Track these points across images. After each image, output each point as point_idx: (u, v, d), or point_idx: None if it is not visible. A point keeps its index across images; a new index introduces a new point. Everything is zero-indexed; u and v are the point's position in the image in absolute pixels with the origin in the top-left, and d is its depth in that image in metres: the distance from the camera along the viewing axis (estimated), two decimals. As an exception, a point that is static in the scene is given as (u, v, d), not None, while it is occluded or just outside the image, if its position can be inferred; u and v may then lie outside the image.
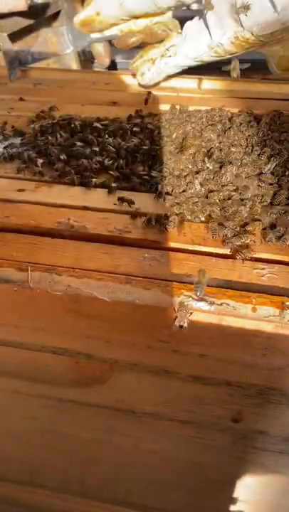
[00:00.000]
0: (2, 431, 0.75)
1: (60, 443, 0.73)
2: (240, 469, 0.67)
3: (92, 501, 0.81)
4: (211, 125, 0.72)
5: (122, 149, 0.69)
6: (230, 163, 0.63)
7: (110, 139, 0.71)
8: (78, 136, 0.73)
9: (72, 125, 0.76)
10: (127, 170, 0.65)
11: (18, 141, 0.73)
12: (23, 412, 0.70)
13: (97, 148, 0.70)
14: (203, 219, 0.57)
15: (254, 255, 0.52)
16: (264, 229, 0.54)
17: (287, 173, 0.61)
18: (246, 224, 0.55)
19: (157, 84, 0.88)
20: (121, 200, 0.58)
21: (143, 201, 0.60)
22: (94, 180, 0.64)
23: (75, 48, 1.04)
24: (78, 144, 0.71)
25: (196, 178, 0.62)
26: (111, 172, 0.65)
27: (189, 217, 0.56)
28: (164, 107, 0.82)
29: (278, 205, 0.57)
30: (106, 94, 0.89)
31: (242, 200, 0.58)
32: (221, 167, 0.63)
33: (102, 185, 0.63)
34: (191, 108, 0.79)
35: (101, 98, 0.87)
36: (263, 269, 0.50)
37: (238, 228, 0.54)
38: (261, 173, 0.62)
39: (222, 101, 0.82)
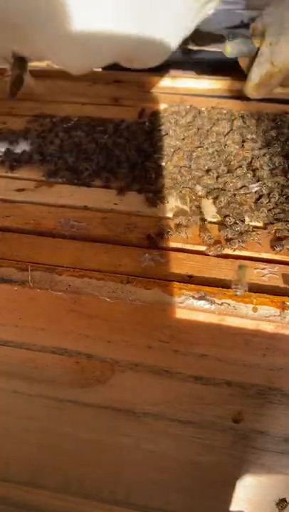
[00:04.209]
0: (2, 431, 0.75)
1: (60, 443, 0.73)
2: (240, 469, 0.67)
3: (92, 501, 0.81)
4: (216, 125, 0.72)
5: (123, 150, 0.69)
6: (239, 166, 0.64)
7: (111, 140, 0.71)
8: (78, 137, 0.73)
9: (72, 125, 0.76)
10: (128, 170, 0.65)
11: (18, 141, 0.73)
12: (23, 412, 0.70)
13: (97, 149, 0.69)
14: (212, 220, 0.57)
15: (255, 255, 0.52)
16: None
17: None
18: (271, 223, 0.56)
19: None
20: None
21: (144, 203, 0.60)
22: (94, 180, 0.64)
23: None
24: (79, 144, 0.71)
25: (201, 178, 0.62)
26: (112, 172, 0.65)
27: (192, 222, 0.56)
28: (166, 108, 0.81)
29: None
30: (107, 94, 0.88)
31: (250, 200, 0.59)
32: (226, 168, 0.63)
33: (103, 186, 0.63)
34: (193, 108, 0.79)
35: (102, 98, 0.87)
36: (264, 269, 0.50)
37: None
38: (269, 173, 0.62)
39: (224, 101, 0.82)
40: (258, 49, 0.75)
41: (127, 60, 0.41)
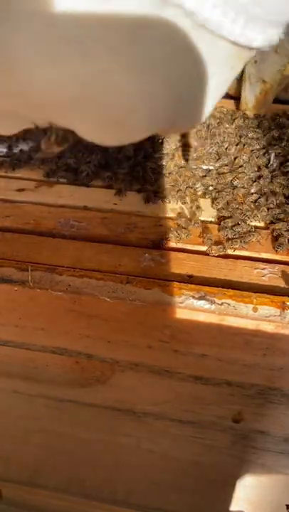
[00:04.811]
0: (2, 431, 0.75)
1: (60, 443, 0.73)
2: (240, 469, 0.67)
3: (92, 501, 0.81)
4: (216, 125, 0.72)
5: (122, 150, 0.68)
6: (240, 165, 0.64)
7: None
8: (79, 137, 0.73)
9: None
10: (128, 170, 0.65)
11: (18, 141, 0.73)
12: (23, 412, 0.70)
13: (98, 149, 0.69)
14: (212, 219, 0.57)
15: (255, 255, 0.52)
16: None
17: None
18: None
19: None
20: None
21: (143, 203, 0.60)
22: (94, 180, 0.64)
23: None
24: (79, 144, 0.71)
25: (202, 178, 0.62)
26: (112, 172, 0.65)
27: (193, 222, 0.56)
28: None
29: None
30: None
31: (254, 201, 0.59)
32: (227, 168, 0.63)
33: (103, 186, 0.63)
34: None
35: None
36: (264, 269, 0.50)
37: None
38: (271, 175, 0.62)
39: (224, 100, 0.82)
40: (243, 70, 0.75)
41: (165, 130, 0.38)
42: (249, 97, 0.74)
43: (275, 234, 0.54)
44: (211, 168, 0.64)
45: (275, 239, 0.53)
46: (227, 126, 0.72)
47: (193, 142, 0.69)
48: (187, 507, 0.78)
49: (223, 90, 0.36)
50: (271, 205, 0.57)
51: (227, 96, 0.84)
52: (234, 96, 0.82)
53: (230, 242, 0.52)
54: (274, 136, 0.68)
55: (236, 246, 0.52)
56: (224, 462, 0.66)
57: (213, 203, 0.59)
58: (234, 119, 0.73)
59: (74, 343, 0.55)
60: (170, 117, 0.33)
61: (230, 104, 0.80)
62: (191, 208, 0.58)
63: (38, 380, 0.62)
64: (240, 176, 0.62)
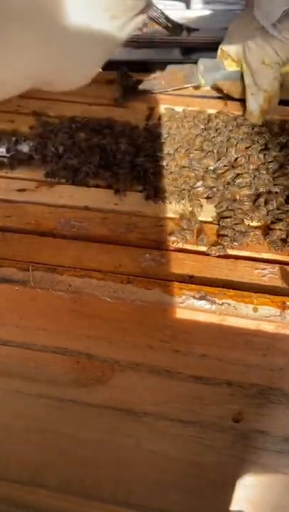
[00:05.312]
0: (2, 430, 0.75)
1: (61, 443, 0.73)
2: (240, 469, 0.67)
3: (92, 502, 0.81)
4: (219, 127, 0.72)
5: (124, 150, 0.68)
6: (240, 165, 0.64)
7: (112, 140, 0.71)
8: (79, 137, 0.73)
9: (77, 126, 0.75)
10: (128, 170, 0.65)
11: (19, 141, 0.73)
12: (24, 412, 0.70)
13: (98, 149, 0.69)
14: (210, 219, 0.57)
15: (255, 255, 0.52)
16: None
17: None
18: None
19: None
20: None
21: (144, 203, 0.60)
22: (95, 180, 0.64)
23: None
24: (79, 144, 0.71)
25: (203, 179, 0.62)
26: (112, 173, 0.65)
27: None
28: (170, 109, 0.81)
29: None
30: (108, 95, 0.88)
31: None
32: (228, 169, 0.64)
33: (104, 186, 0.63)
34: (198, 109, 0.79)
35: (103, 98, 0.87)
36: (264, 269, 0.50)
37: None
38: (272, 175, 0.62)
39: (230, 103, 0.81)
40: (242, 74, 0.74)
41: (46, 83, 0.40)
42: (253, 107, 0.73)
43: (275, 234, 0.54)
44: (212, 168, 0.64)
45: (276, 238, 0.53)
46: (230, 128, 0.71)
47: (195, 141, 0.69)
48: (187, 507, 0.78)
49: (109, 48, 0.36)
50: (271, 206, 0.58)
51: (233, 98, 0.82)
52: (240, 99, 0.81)
53: (229, 241, 0.52)
54: (280, 142, 0.68)
55: (235, 245, 0.52)
56: (224, 462, 0.67)
57: (213, 203, 0.59)
58: (241, 126, 0.72)
59: (75, 343, 0.55)
60: (40, 80, 0.35)
61: (236, 106, 0.79)
62: (192, 207, 0.59)
63: (39, 380, 0.62)
64: (240, 176, 0.62)
